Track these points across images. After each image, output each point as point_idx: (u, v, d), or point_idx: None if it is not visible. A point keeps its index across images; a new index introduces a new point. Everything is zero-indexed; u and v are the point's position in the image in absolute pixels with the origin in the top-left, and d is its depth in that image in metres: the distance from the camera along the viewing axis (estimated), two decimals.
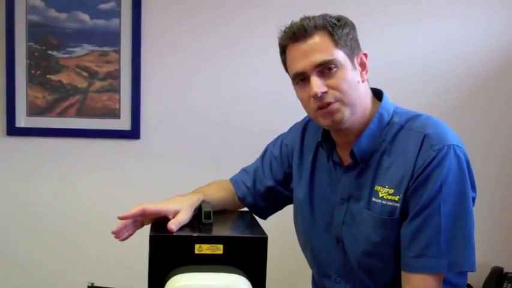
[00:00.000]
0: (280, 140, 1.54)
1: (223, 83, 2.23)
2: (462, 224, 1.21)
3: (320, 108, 1.25)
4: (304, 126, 1.49)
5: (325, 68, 1.23)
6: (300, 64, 1.25)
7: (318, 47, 1.23)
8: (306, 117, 1.49)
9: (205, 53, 2.21)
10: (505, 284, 2.07)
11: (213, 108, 2.23)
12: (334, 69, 1.23)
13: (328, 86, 1.23)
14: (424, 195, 1.20)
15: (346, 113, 1.25)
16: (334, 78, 1.23)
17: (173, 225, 1.19)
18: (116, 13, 2.18)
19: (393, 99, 1.38)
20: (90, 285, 1.56)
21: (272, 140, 1.58)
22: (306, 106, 1.31)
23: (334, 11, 1.31)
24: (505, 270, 2.13)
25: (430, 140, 1.22)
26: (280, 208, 1.55)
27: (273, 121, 1.64)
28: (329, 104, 1.24)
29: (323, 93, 1.23)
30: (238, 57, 2.21)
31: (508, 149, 2.24)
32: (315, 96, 1.23)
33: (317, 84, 1.23)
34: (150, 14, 2.19)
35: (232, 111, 2.23)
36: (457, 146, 1.23)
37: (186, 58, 2.22)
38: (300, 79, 1.27)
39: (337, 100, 1.24)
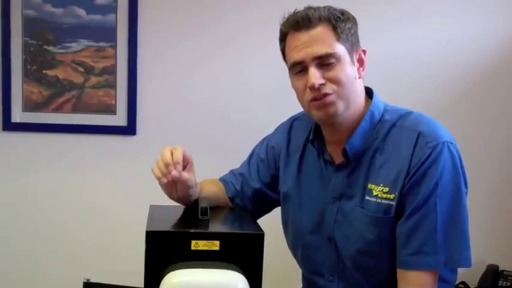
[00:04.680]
0: (266, 142, 1.53)
1: (220, 78, 2.22)
2: (457, 221, 1.21)
3: (315, 99, 1.25)
4: (290, 126, 1.48)
5: (325, 61, 1.23)
6: (300, 54, 1.24)
7: (320, 39, 1.23)
8: (291, 117, 1.49)
9: (202, 49, 2.20)
10: (500, 281, 2.07)
11: (210, 104, 2.22)
12: (334, 63, 1.23)
13: (326, 79, 1.23)
14: (420, 193, 1.20)
15: (340, 106, 1.25)
16: (333, 71, 1.23)
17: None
18: (113, 8, 2.17)
19: (390, 97, 1.38)
20: (86, 281, 1.55)
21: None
22: (300, 96, 1.30)
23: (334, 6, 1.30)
24: (500, 268, 2.13)
25: (424, 138, 1.23)
26: (269, 210, 1.53)
27: (271, 117, 1.63)
28: (325, 95, 1.23)
29: (320, 85, 1.23)
30: (236, 52, 2.21)
31: (505, 146, 2.24)
32: (312, 87, 1.23)
33: (315, 76, 1.22)
34: (147, 9, 2.18)
35: (229, 107, 2.22)
36: (450, 142, 1.23)
37: (182, 54, 2.21)
38: (298, 70, 1.26)
39: (334, 92, 1.24)
